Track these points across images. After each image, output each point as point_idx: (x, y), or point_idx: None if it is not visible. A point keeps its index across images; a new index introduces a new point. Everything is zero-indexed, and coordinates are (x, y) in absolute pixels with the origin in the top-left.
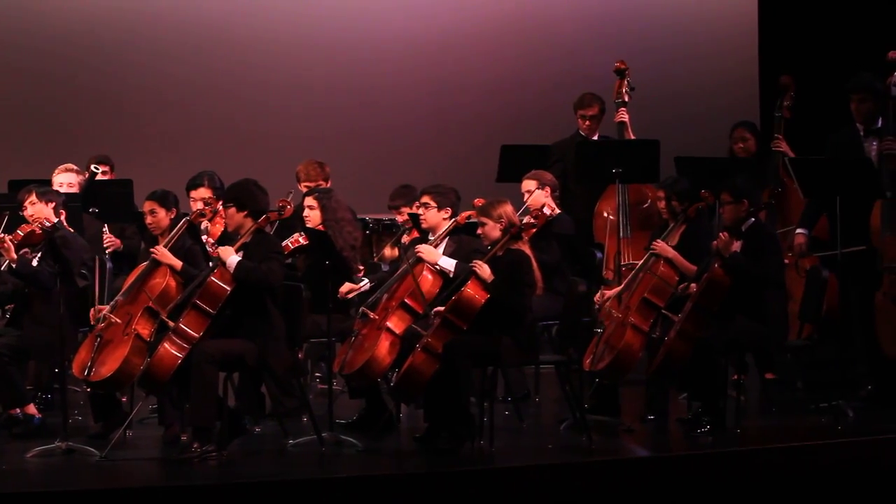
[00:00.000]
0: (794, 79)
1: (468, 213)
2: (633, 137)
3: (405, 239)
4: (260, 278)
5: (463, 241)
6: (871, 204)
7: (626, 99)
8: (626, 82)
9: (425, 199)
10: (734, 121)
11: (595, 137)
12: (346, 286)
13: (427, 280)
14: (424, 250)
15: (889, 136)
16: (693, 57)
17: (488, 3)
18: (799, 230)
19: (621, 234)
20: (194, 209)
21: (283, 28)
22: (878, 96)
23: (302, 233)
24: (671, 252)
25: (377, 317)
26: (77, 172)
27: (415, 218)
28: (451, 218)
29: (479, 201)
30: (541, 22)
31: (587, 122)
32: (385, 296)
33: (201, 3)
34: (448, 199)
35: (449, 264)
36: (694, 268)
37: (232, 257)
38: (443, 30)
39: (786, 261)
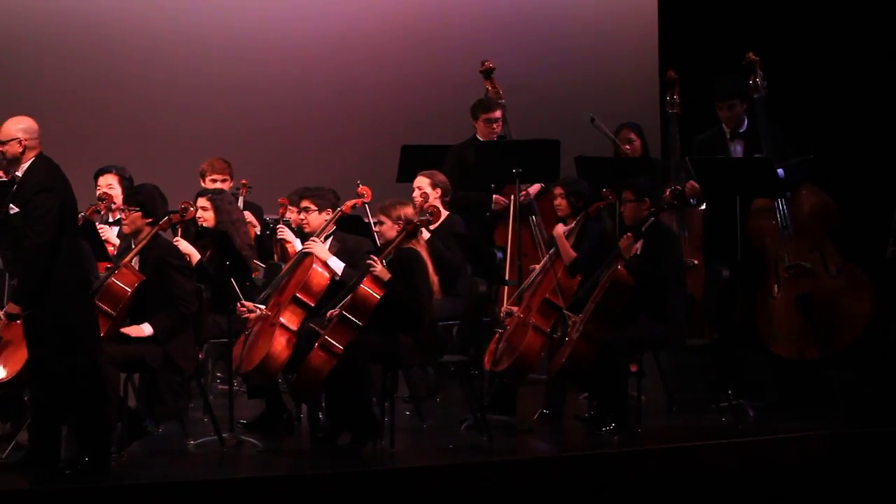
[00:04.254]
0: (678, 73)
1: (353, 201)
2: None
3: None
4: (184, 321)
5: (347, 240)
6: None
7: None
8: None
9: (304, 203)
10: (635, 121)
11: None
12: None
13: (317, 273)
14: (314, 246)
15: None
16: (593, 58)
17: (390, 3)
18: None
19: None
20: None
21: (186, 28)
22: (745, 99)
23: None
24: (561, 228)
25: (269, 312)
26: None
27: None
28: (335, 222)
29: (363, 189)
30: (442, 23)
31: (494, 126)
32: (275, 291)
33: (108, 2)
34: (328, 200)
35: (338, 266)
36: (573, 254)
37: (146, 328)
38: (344, 30)
39: (696, 261)
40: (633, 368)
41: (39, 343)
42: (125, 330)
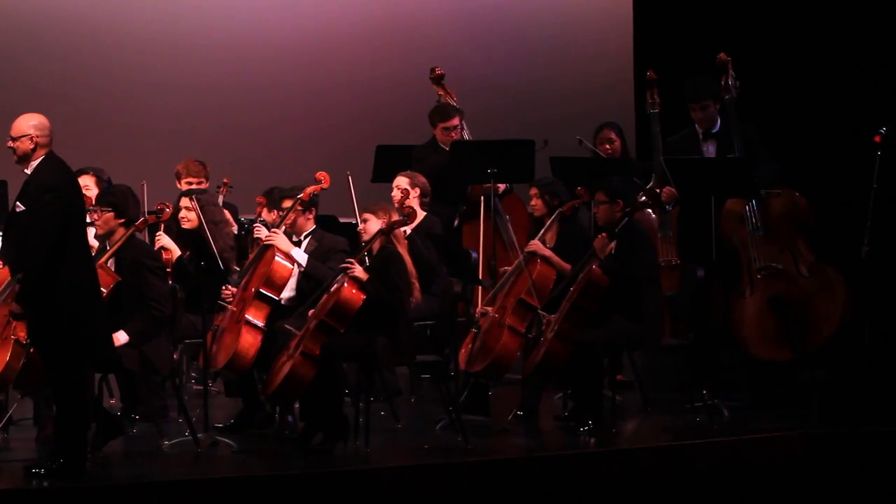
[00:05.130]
0: (656, 72)
1: (312, 188)
2: None
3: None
4: (151, 329)
5: (325, 238)
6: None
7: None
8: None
9: (287, 203)
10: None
11: None
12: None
13: (280, 265)
14: (276, 238)
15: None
16: (569, 58)
17: (367, 4)
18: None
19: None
20: None
21: (161, 27)
22: (717, 98)
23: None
24: (546, 251)
25: (235, 309)
26: None
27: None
28: (314, 220)
29: (321, 174)
30: (417, 23)
31: (452, 133)
32: (240, 287)
33: (85, 2)
34: (311, 200)
35: (301, 257)
36: (568, 266)
37: (122, 336)
38: (319, 29)
39: (678, 261)
40: (619, 378)
41: (47, 345)
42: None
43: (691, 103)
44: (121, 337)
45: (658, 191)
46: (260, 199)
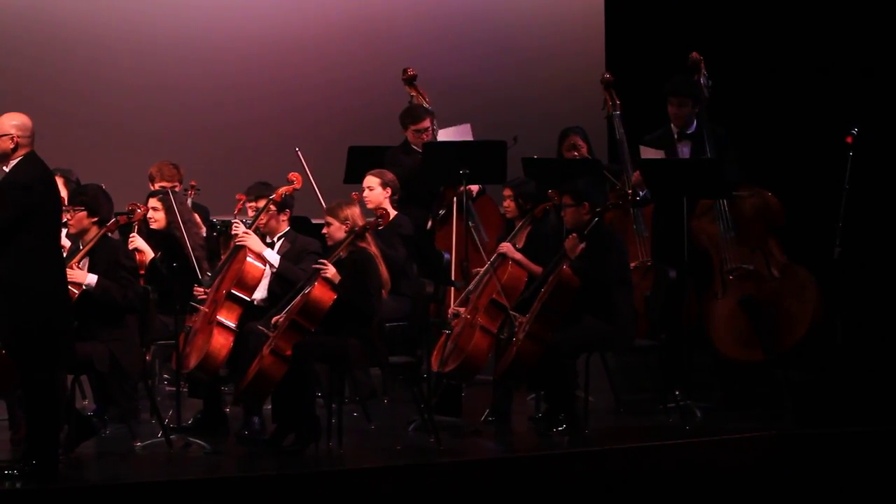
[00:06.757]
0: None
1: (284, 189)
2: None
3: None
4: (119, 298)
5: (297, 240)
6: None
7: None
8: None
9: (263, 202)
10: (582, 122)
11: None
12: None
13: (252, 266)
14: (248, 238)
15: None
16: (542, 59)
17: (337, 3)
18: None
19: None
20: None
21: (131, 27)
22: (697, 100)
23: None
24: (517, 255)
25: (207, 310)
26: None
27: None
28: (287, 220)
29: (293, 175)
30: (390, 24)
31: (423, 135)
32: (212, 288)
33: (54, 3)
34: (284, 201)
35: (273, 258)
36: (539, 269)
37: (90, 277)
38: (291, 29)
39: (649, 262)
40: None
41: (18, 346)
42: (70, 272)
43: (671, 96)
44: (88, 277)
45: (628, 190)
46: (240, 196)
